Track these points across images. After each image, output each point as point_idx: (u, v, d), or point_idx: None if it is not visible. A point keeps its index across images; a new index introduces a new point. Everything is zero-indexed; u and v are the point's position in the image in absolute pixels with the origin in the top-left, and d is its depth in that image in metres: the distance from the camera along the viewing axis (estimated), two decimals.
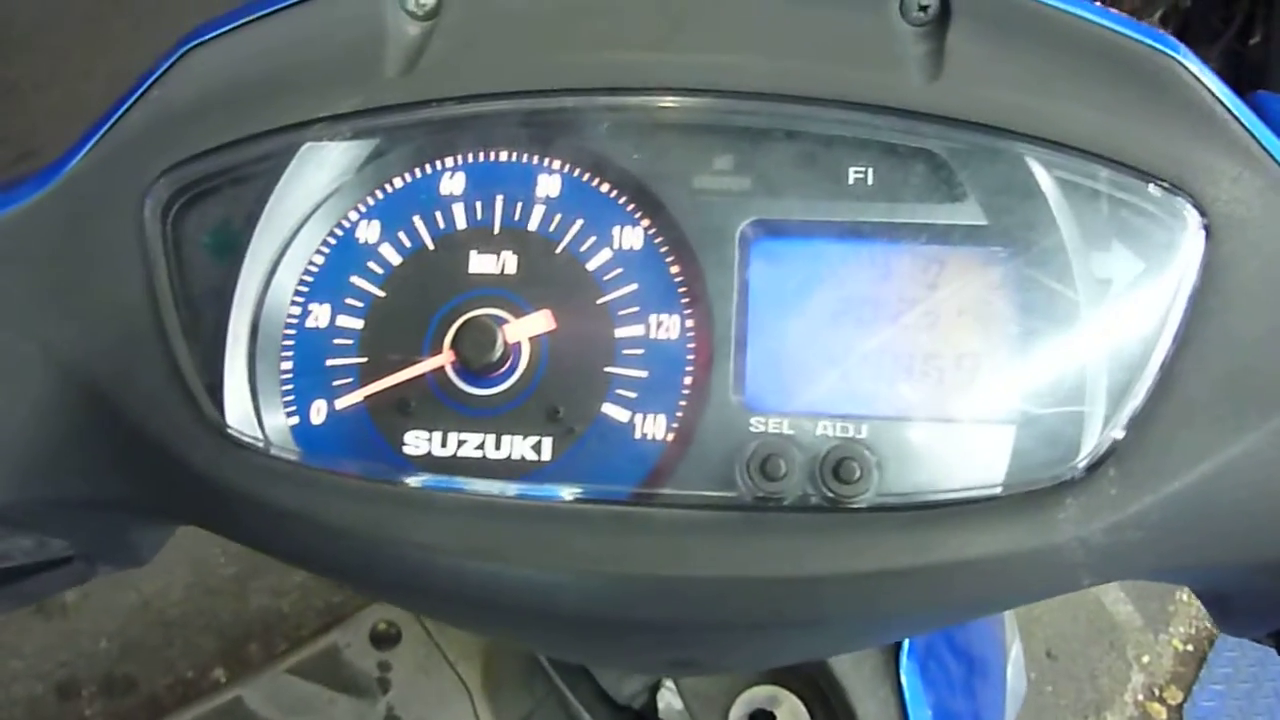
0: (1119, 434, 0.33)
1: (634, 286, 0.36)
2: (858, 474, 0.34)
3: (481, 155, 0.38)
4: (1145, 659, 1.76)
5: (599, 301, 0.36)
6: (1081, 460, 0.33)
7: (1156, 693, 1.74)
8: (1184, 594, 1.80)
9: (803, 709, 0.61)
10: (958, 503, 0.34)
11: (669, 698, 0.70)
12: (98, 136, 0.40)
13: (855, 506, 0.34)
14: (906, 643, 0.57)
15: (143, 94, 0.39)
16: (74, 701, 1.55)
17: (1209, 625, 1.79)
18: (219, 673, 1.56)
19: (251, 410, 0.37)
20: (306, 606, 1.60)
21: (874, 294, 0.35)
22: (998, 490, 0.34)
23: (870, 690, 0.57)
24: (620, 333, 0.36)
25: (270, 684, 1.13)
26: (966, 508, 0.33)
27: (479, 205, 0.37)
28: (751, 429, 0.35)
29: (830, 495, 0.34)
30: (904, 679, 0.57)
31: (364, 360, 0.37)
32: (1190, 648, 1.77)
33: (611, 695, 0.73)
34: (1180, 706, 1.72)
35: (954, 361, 0.35)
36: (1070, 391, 0.34)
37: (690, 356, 0.35)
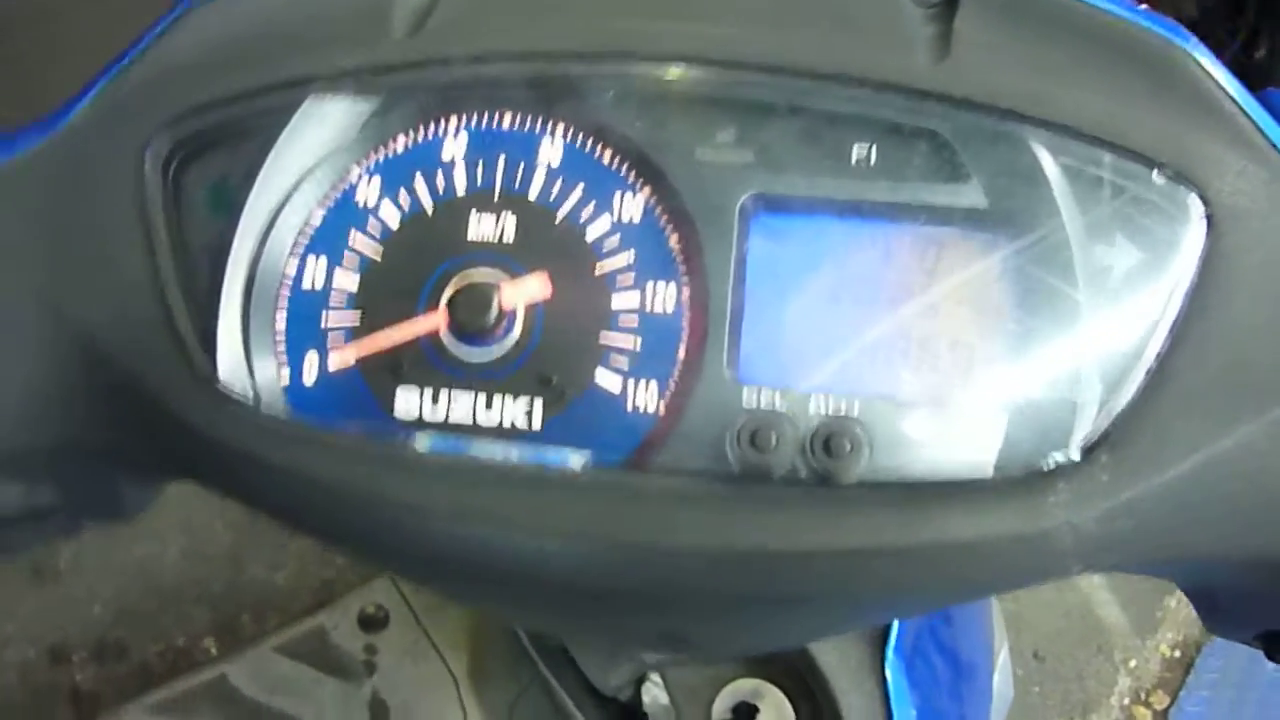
0: (1114, 421, 0.33)
1: (631, 256, 0.36)
2: (848, 449, 0.33)
3: (485, 119, 0.38)
4: (1132, 663, 1.76)
5: (596, 270, 0.36)
6: (1075, 446, 0.33)
7: (1143, 697, 1.74)
8: (1172, 600, 1.80)
9: (786, 703, 0.60)
10: (948, 484, 0.33)
11: (654, 691, 0.69)
12: (99, 88, 0.39)
13: (844, 482, 0.34)
14: (893, 638, 0.57)
15: (146, 48, 0.39)
16: (65, 666, 1.55)
17: (1197, 632, 1.79)
18: (209, 642, 1.57)
19: (244, 366, 0.37)
20: (300, 584, 1.61)
21: (872, 274, 0.35)
22: (989, 473, 0.33)
23: (855, 684, 0.57)
24: (616, 302, 0.36)
25: (256, 662, 1.14)
26: (957, 489, 0.33)
27: (480, 169, 0.37)
28: (744, 403, 0.35)
29: (819, 469, 0.34)
30: (889, 675, 0.56)
31: (358, 320, 0.37)
32: (1178, 654, 1.78)
33: (597, 687, 0.72)
34: (1166, 712, 1.72)
35: (949, 345, 0.34)
36: (1066, 378, 0.34)
37: (685, 328, 0.35)
